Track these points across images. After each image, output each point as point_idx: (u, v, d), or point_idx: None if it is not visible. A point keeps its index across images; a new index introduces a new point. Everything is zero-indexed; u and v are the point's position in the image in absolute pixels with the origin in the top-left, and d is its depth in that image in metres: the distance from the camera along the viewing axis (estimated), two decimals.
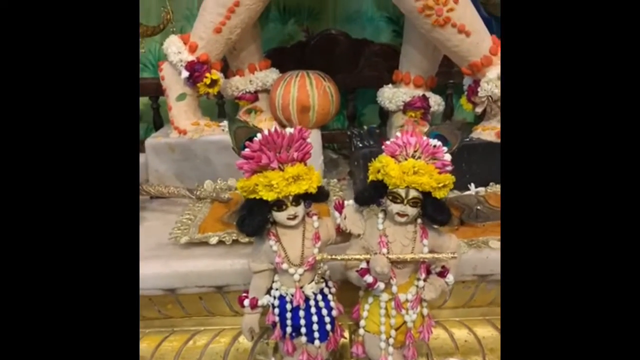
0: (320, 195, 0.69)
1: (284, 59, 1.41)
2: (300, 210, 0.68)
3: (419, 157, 0.65)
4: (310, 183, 0.66)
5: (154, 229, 0.95)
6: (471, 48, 1.01)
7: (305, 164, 0.67)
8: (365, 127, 1.26)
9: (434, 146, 0.66)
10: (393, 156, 0.66)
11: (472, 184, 1.04)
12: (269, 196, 0.64)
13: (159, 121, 1.46)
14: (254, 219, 0.67)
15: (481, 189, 1.03)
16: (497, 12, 1.48)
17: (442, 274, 0.69)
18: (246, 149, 0.65)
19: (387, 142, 0.67)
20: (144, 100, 1.47)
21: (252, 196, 0.66)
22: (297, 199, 0.67)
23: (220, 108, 1.47)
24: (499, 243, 0.79)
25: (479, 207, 0.90)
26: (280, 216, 0.67)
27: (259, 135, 0.65)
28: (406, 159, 0.65)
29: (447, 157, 0.66)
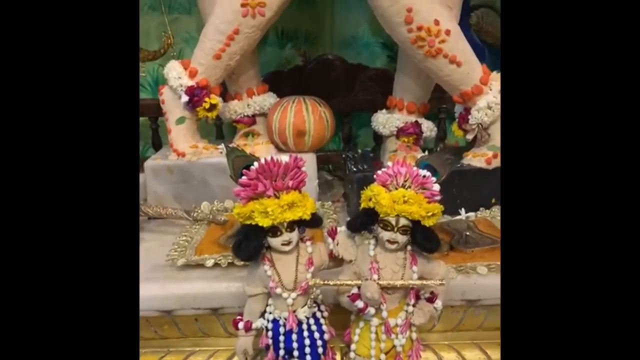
0: (313, 222, 0.71)
1: (282, 82, 1.45)
2: (294, 236, 0.70)
3: (409, 187, 0.68)
4: (305, 210, 0.69)
5: (152, 250, 0.97)
6: (462, 77, 1.05)
7: (300, 192, 0.70)
8: (359, 151, 1.29)
9: (424, 176, 0.69)
10: (384, 185, 0.69)
11: (463, 209, 1.06)
12: (265, 222, 0.67)
13: (158, 141, 1.49)
14: (250, 244, 0.69)
15: (471, 214, 1.05)
16: (489, 40, 1.52)
17: (431, 299, 0.72)
18: (243, 177, 0.68)
19: (379, 172, 0.70)
20: (141, 120, 1.49)
21: (248, 222, 0.69)
22: (292, 225, 0.69)
23: (219, 129, 1.50)
24: (487, 269, 0.82)
25: (468, 233, 0.93)
26: (275, 242, 0.69)
27: (255, 163, 0.68)
28: (397, 189, 0.68)
29: (436, 187, 0.69)
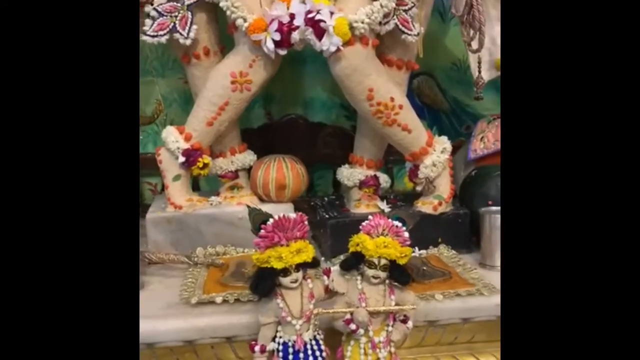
0: (314, 264, 0.92)
1: (252, 138, 1.63)
2: (299, 275, 0.90)
3: (387, 235, 0.91)
4: (308, 254, 0.89)
5: (159, 291, 1.12)
6: (412, 141, 1.31)
7: (304, 240, 0.90)
8: (325, 199, 1.52)
9: (396, 226, 0.92)
10: (368, 234, 0.91)
11: (416, 247, 1.31)
12: (279, 265, 0.86)
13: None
14: (266, 283, 0.89)
15: (423, 252, 1.30)
16: (428, 101, 1.82)
17: (405, 321, 0.93)
18: (262, 230, 0.88)
19: (364, 223, 0.93)
20: None
21: (264, 265, 0.88)
22: (298, 267, 0.89)
23: (194, 181, 1.66)
24: (442, 296, 1.05)
25: (424, 268, 1.16)
26: (285, 280, 0.89)
27: (271, 219, 0.88)
28: (378, 236, 0.91)
29: (406, 234, 0.92)
